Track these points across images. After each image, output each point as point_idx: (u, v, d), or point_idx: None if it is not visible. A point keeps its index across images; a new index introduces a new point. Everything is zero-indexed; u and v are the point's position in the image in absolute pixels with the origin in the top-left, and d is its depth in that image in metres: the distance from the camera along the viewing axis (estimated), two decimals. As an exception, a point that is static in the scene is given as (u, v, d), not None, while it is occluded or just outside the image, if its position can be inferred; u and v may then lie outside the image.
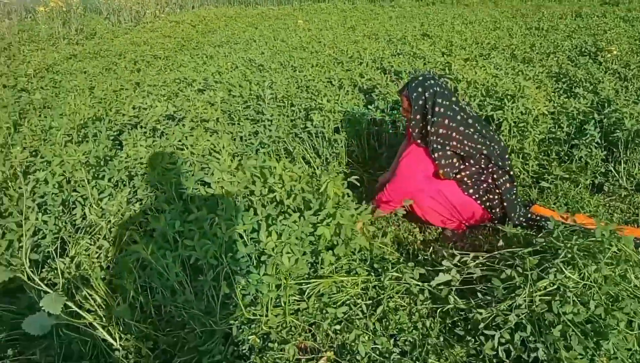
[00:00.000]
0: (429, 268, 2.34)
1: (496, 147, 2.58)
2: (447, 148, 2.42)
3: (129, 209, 2.31)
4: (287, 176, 2.18)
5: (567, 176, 3.16)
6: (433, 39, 6.75)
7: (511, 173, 2.61)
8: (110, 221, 2.28)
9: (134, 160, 2.78)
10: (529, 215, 2.70)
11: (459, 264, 2.20)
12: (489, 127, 2.67)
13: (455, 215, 2.61)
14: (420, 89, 2.39)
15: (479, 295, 2.05)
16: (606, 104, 3.37)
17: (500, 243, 2.29)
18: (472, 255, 2.21)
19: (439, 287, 2.23)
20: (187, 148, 2.83)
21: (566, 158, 3.32)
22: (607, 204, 2.96)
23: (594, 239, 1.96)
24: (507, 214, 2.61)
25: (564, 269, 1.90)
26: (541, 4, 11.34)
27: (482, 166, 2.53)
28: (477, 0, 13.73)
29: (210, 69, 5.37)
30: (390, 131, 3.50)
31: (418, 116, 2.42)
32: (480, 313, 1.93)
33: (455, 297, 2.07)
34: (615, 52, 4.55)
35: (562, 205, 2.98)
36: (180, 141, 3.19)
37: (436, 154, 2.42)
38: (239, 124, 3.69)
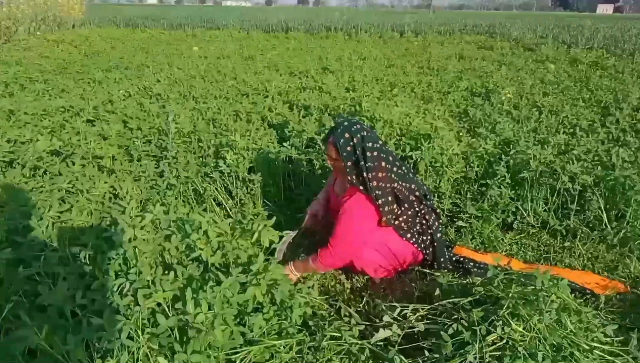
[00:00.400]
0: (366, 323, 2.18)
1: (424, 187, 2.53)
2: (387, 191, 2.30)
3: (10, 275, 1.86)
4: (213, 232, 1.89)
5: (480, 214, 3.23)
6: (335, 74, 6.81)
7: (437, 211, 2.58)
8: (-18, 291, 1.82)
9: (12, 209, 2.30)
10: (454, 257, 2.68)
11: (399, 318, 2.06)
12: (410, 167, 2.63)
13: (392, 263, 2.50)
14: (347, 135, 2.25)
15: (425, 352, 1.91)
16: (511, 146, 3.53)
17: (437, 292, 2.20)
18: (411, 307, 2.09)
19: (379, 343, 2.08)
20: (82, 193, 2.42)
21: (478, 196, 3.40)
22: (519, 243, 3.05)
23: (533, 287, 1.93)
24: (435, 256, 2.56)
25: (510, 321, 1.84)
26: (427, 45, 12.16)
27: (416, 207, 2.45)
28: (369, 37, 14.41)
29: (100, 97, 4.85)
30: (307, 171, 3.34)
31: (349, 163, 2.27)
32: (430, 376, 1.80)
33: (401, 357, 1.92)
34: (509, 95, 4.89)
35: (478, 244, 3.01)
36: (70, 183, 2.74)
37: (380, 201, 2.28)
38: (139, 162, 3.29)
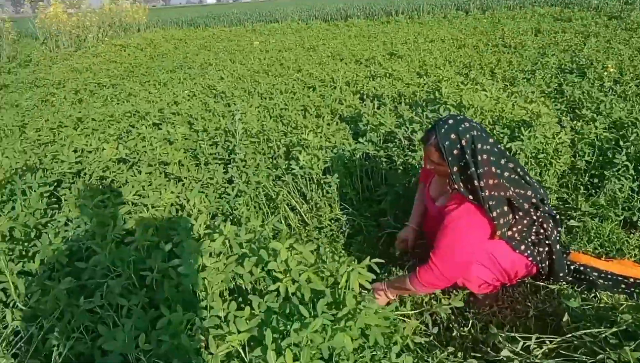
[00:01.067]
0: (478, 356, 1.82)
1: (541, 190, 2.10)
2: (502, 200, 1.91)
3: (70, 307, 1.66)
4: (293, 261, 1.59)
5: (595, 211, 2.74)
6: (404, 59, 6.37)
7: (557, 217, 2.14)
8: (42, 325, 1.63)
9: (75, 227, 2.13)
10: (572, 266, 2.24)
11: (521, 352, 1.68)
12: (525, 169, 2.20)
13: (501, 278, 2.11)
14: (453, 136, 1.86)
15: (561, 402, 1.53)
16: (627, 129, 3.00)
17: (566, 317, 1.80)
18: (534, 338, 1.70)
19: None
20: (147, 207, 2.21)
21: (590, 190, 2.91)
22: (649, 245, 2.55)
23: None
24: (553, 269, 2.13)
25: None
26: (496, 22, 11.33)
27: (533, 216, 2.04)
28: (432, 19, 13.71)
29: (166, 98, 4.73)
30: (387, 168, 2.99)
31: (455, 169, 1.89)
32: None
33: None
34: (612, 69, 4.27)
35: (597, 247, 2.54)
36: (137, 193, 2.56)
37: (494, 213, 1.88)
38: (206, 166, 3.08)
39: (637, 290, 2.12)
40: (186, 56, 8.41)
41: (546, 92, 4.25)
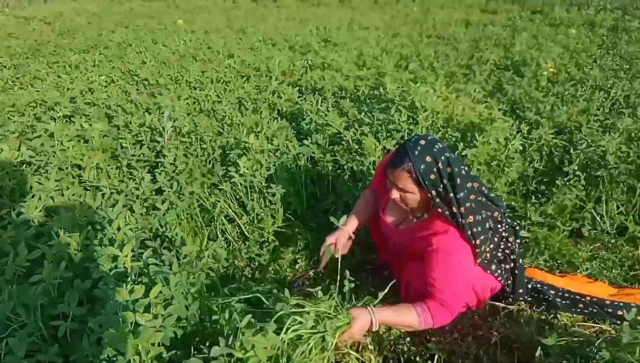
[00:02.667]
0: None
1: (500, 203, 1.97)
2: (486, 225, 1.75)
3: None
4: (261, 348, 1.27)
5: (542, 220, 2.70)
6: (340, 47, 6.15)
7: (516, 227, 2.03)
8: None
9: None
10: (530, 284, 2.15)
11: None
12: (487, 185, 2.06)
13: (470, 303, 1.96)
14: (428, 158, 1.65)
15: None
16: (570, 133, 2.98)
17: (539, 352, 1.68)
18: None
19: None
20: (58, 230, 1.82)
21: (538, 198, 2.85)
22: (597, 256, 2.53)
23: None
24: (514, 287, 2.02)
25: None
26: (426, 10, 11.41)
27: (500, 231, 1.90)
28: (362, 4, 13.59)
29: (79, 85, 4.17)
30: (334, 174, 2.76)
31: (434, 192, 1.68)
32: None
33: None
34: (552, 70, 4.30)
35: (548, 259, 2.49)
36: (45, 207, 2.15)
37: (478, 240, 1.71)
38: (129, 171, 2.69)
39: (594, 310, 2.07)
40: (101, 34, 7.63)
41: (486, 90, 4.20)
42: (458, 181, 1.64)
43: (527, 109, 3.55)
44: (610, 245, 2.60)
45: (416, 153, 1.64)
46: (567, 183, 2.66)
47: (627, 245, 2.59)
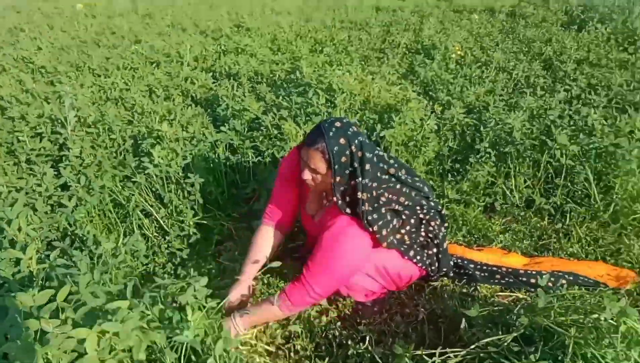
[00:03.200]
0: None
1: (425, 188, 2.02)
2: (382, 210, 1.76)
3: None
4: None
5: (459, 197, 2.82)
6: (253, 31, 6.02)
7: (442, 212, 2.09)
8: None
9: None
10: (452, 261, 2.23)
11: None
12: (408, 166, 2.09)
13: (388, 287, 1.99)
14: (342, 141, 1.64)
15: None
16: (478, 112, 3.12)
17: (463, 324, 1.74)
18: (438, 353, 1.60)
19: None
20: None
21: (454, 176, 2.97)
22: (509, 229, 2.68)
23: (596, 316, 1.51)
24: (439, 268, 2.08)
25: (579, 369, 1.41)
26: (337, -4, 11.47)
27: (419, 214, 1.94)
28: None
29: (-38, 74, 3.74)
30: (254, 160, 2.69)
31: (339, 179, 1.68)
32: None
33: None
34: (459, 52, 4.48)
35: (466, 235, 2.61)
36: None
37: (375, 227, 1.72)
38: (29, 167, 2.45)
39: (510, 279, 2.19)
40: (-12, 18, 6.91)
41: (400, 72, 4.30)
42: (367, 166, 1.66)
43: (439, 90, 3.68)
44: (520, 218, 2.76)
45: (331, 133, 1.64)
46: (479, 160, 2.78)
47: (535, 216, 2.77)
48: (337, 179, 1.68)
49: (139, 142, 2.63)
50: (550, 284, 2.11)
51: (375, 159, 1.73)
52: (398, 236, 1.87)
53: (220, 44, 5.06)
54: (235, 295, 1.87)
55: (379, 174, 1.78)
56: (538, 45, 5.21)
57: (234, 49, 4.88)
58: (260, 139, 2.71)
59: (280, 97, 2.98)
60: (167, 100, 3.35)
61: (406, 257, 1.91)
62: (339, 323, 1.96)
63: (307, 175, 1.75)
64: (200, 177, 2.45)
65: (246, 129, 2.83)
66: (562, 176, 2.74)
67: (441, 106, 3.25)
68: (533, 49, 5.14)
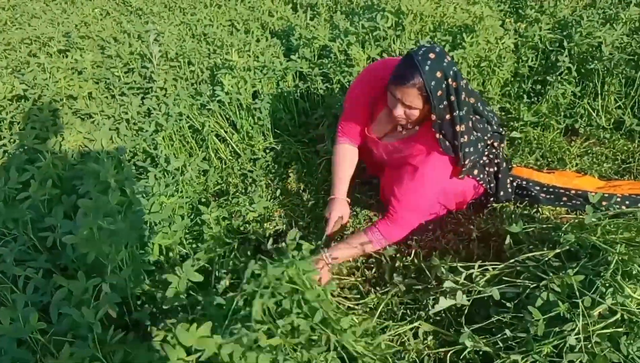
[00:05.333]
0: (419, 287, 1.73)
1: (489, 108, 1.96)
2: (476, 144, 1.75)
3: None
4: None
5: (538, 120, 2.65)
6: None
7: (503, 132, 2.02)
8: None
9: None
10: (515, 182, 2.15)
11: (465, 282, 1.59)
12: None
13: (449, 207, 2.00)
14: (439, 74, 1.54)
15: (506, 331, 1.46)
16: (571, 28, 2.84)
17: (508, 241, 1.72)
18: (477, 266, 1.61)
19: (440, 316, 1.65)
20: (46, 154, 1.90)
21: (531, 98, 2.79)
22: (590, 152, 2.50)
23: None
24: (497, 188, 2.04)
25: (623, 285, 1.35)
26: None
27: (486, 141, 1.90)
28: None
29: (73, 19, 4.16)
30: (323, 88, 2.74)
31: (434, 116, 1.63)
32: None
33: (473, 335, 1.48)
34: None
35: (539, 158, 2.48)
36: (37, 138, 2.24)
37: (468, 160, 1.72)
38: (121, 98, 2.73)
39: (577, 202, 2.08)
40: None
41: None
42: (463, 96, 1.61)
43: (529, 7, 3.38)
44: (606, 141, 2.56)
45: (426, 67, 1.54)
46: (559, 78, 2.58)
47: (623, 139, 2.55)
48: (434, 116, 1.64)
49: (215, 73, 2.80)
50: (624, 207, 1.98)
51: (465, 88, 1.67)
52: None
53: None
54: (336, 213, 1.87)
55: (469, 105, 1.73)
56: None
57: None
58: (329, 66, 2.75)
59: (352, 24, 2.95)
60: (247, 33, 3.47)
61: (470, 176, 1.89)
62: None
63: (399, 112, 1.67)
64: (271, 104, 2.57)
65: (316, 57, 2.87)
66: (661, 95, 2.47)
67: (526, 24, 3.01)
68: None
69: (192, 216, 2.04)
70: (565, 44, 2.66)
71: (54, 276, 1.29)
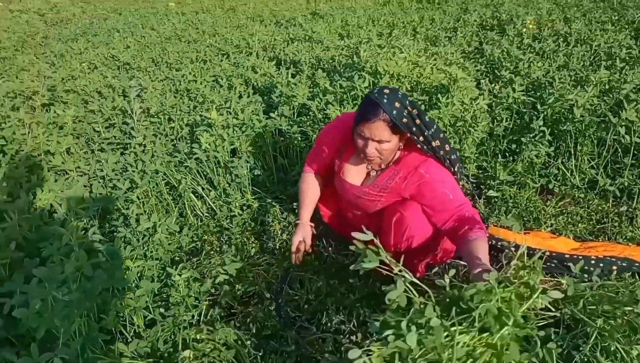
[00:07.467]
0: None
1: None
2: (455, 153, 1.87)
3: None
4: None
5: (512, 179, 2.68)
6: (325, 19, 6.08)
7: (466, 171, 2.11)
8: None
9: None
10: (490, 242, 2.14)
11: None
12: None
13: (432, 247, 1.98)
14: (397, 104, 1.69)
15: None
16: (544, 89, 2.92)
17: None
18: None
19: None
20: (11, 215, 1.88)
21: (506, 157, 2.83)
22: (565, 212, 2.51)
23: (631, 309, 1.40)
24: None
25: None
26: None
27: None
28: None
29: (61, 73, 4.22)
30: (302, 145, 2.77)
31: (415, 136, 1.75)
32: None
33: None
34: (532, 26, 4.20)
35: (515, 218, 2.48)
36: (9, 194, 2.21)
37: (455, 168, 1.86)
38: (100, 153, 2.73)
39: (552, 264, 2.07)
40: (92, 21, 7.66)
41: (467, 51, 4.14)
42: (426, 118, 1.74)
43: (504, 68, 3.50)
44: (581, 200, 2.58)
45: (385, 101, 1.67)
46: (533, 140, 2.63)
47: (597, 198, 2.57)
48: (408, 135, 1.74)
49: (195, 130, 2.83)
50: (599, 270, 1.97)
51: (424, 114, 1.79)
52: None
53: (289, 32, 5.19)
54: (297, 237, 1.98)
55: (436, 123, 1.84)
56: (631, 12, 4.71)
57: (303, 37, 4.98)
58: (308, 124, 2.78)
59: (332, 83, 3.01)
60: (230, 89, 3.53)
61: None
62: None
63: (371, 150, 1.75)
64: (249, 161, 2.59)
65: (295, 114, 2.92)
66: (631, 155, 2.51)
67: (501, 84, 3.10)
68: (625, 17, 4.66)
69: (163, 278, 2.01)
70: (538, 106, 2.72)
71: (1, 351, 1.24)
